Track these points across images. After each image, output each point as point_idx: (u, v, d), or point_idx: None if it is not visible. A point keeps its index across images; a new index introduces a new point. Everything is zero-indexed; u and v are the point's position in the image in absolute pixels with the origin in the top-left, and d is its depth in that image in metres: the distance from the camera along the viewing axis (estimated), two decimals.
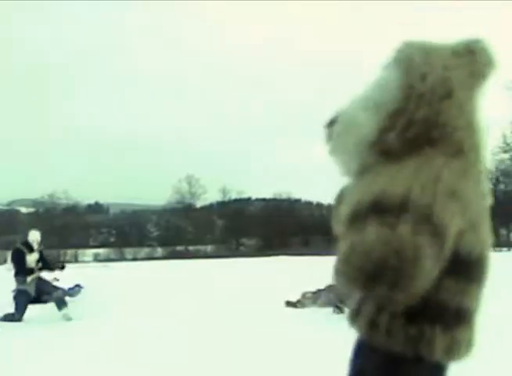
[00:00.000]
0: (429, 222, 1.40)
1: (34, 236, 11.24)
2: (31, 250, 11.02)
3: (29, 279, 10.73)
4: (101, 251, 78.94)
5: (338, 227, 1.72)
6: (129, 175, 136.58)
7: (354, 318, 1.71)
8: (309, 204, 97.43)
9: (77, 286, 15.44)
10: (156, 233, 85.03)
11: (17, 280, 10.88)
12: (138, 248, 78.15)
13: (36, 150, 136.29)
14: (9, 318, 10.52)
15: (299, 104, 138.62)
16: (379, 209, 1.43)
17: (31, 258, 10.91)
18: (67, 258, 71.71)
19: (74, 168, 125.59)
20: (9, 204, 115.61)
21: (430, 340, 1.54)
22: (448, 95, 1.59)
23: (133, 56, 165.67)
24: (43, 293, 10.81)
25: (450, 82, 1.60)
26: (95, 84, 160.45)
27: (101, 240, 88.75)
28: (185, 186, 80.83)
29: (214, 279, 22.45)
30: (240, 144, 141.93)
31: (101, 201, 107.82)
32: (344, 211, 1.60)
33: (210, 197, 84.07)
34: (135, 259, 66.68)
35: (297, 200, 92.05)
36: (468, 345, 1.63)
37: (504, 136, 47.00)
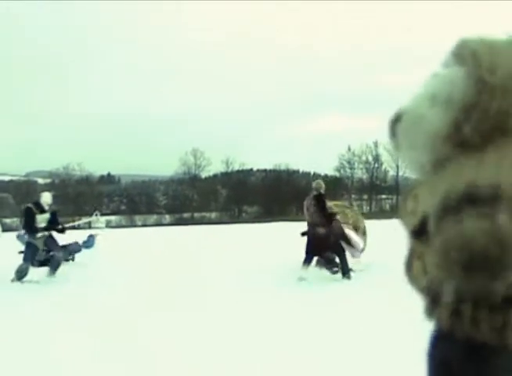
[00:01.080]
0: None
1: (45, 198, 11.34)
2: (42, 210, 11.10)
3: (38, 235, 10.86)
4: (113, 218, 79.05)
5: (407, 221, 1.69)
6: (139, 149, 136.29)
7: (432, 308, 1.62)
8: (307, 174, 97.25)
9: (91, 236, 15.59)
10: (164, 202, 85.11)
11: (28, 235, 11.13)
12: (147, 215, 78.53)
13: (52, 124, 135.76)
14: (20, 273, 10.63)
15: (298, 79, 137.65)
16: (472, 200, 1.38)
17: (41, 218, 10.98)
18: (82, 224, 72.04)
19: (88, 142, 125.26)
20: (27, 175, 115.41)
21: None
22: None
23: (146, 41, 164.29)
24: (50, 251, 11.03)
25: None
26: (111, 63, 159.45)
27: (113, 208, 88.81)
28: (191, 159, 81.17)
29: (219, 242, 22.54)
30: (242, 119, 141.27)
31: (113, 173, 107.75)
32: (426, 204, 1.55)
33: (214, 168, 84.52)
34: (144, 225, 66.88)
35: (296, 171, 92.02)
36: None
37: None
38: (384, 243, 12.05)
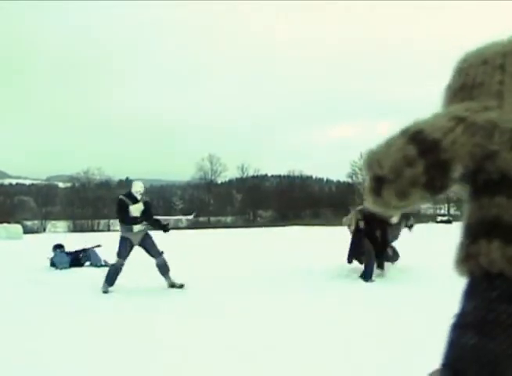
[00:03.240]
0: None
1: (137, 187, 10.33)
2: (135, 201, 10.10)
3: (135, 228, 9.91)
4: None
5: None
6: (157, 154, 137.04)
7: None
8: (320, 180, 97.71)
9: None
10: (181, 206, 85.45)
11: (122, 228, 10.07)
12: (165, 218, 79.05)
13: (73, 130, 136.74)
14: (110, 275, 9.72)
15: (311, 90, 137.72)
16: None
17: (134, 208, 10.02)
18: (101, 227, 72.49)
19: (108, 147, 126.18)
20: (48, 179, 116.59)
21: None
22: (484, 62, 1.70)
23: (164, 50, 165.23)
24: (146, 251, 10.04)
25: (485, 55, 1.72)
26: (131, 71, 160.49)
27: None
28: (207, 164, 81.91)
29: (235, 245, 22.58)
30: (258, 126, 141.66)
31: (131, 177, 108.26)
32: None
33: (230, 173, 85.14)
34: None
35: (309, 177, 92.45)
36: None
37: None
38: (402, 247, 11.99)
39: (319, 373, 4.62)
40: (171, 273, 9.85)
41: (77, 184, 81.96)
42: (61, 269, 13.82)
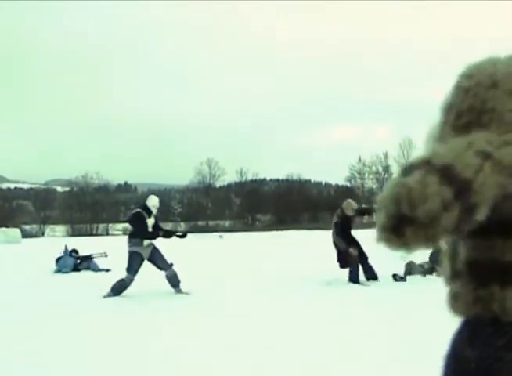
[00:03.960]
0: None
1: (153, 202, 10.28)
2: (150, 214, 10.04)
3: (145, 243, 9.75)
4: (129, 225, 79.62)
5: None
6: (155, 158, 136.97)
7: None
8: (318, 184, 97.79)
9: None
10: (179, 210, 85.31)
11: (132, 243, 9.75)
12: (163, 223, 78.47)
13: (71, 134, 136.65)
14: (117, 287, 9.43)
15: (311, 91, 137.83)
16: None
17: (150, 222, 9.97)
18: (99, 231, 72.45)
19: (106, 151, 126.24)
20: (46, 183, 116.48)
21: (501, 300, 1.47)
22: (494, 85, 1.58)
23: (165, 51, 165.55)
24: (155, 265, 9.83)
25: (495, 75, 1.60)
26: (130, 75, 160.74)
27: (129, 215, 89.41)
28: (205, 168, 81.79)
29: (234, 249, 22.59)
30: (256, 130, 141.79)
31: (130, 181, 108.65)
32: None
33: (228, 177, 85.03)
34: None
35: (307, 181, 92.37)
36: None
37: None
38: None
39: (318, 373, 4.63)
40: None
41: (75, 188, 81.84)
42: (63, 272, 13.87)
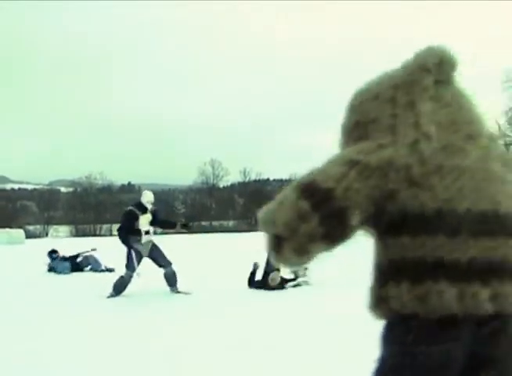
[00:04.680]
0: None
1: (148, 197, 10.03)
2: (145, 211, 9.84)
3: (143, 239, 9.63)
4: None
5: None
6: (159, 159, 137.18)
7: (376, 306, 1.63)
8: None
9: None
10: (183, 210, 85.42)
11: (130, 240, 9.63)
12: None
13: (74, 134, 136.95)
14: (118, 285, 9.40)
15: (313, 91, 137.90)
16: None
17: (144, 220, 9.78)
18: (103, 232, 72.55)
19: (109, 152, 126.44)
20: (50, 184, 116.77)
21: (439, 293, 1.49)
22: (376, 97, 1.69)
23: (165, 51, 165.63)
24: (155, 262, 9.77)
25: (378, 89, 1.72)
26: (132, 75, 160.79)
27: None
28: (209, 169, 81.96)
29: (238, 249, 22.59)
30: (259, 130, 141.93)
31: (133, 182, 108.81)
32: None
33: (231, 178, 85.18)
34: (163, 233, 67.14)
35: None
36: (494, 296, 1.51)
37: (499, 125, 46.56)
38: None
39: (319, 373, 4.63)
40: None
41: (79, 189, 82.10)
42: (64, 274, 13.82)
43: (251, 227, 70.38)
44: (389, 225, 1.55)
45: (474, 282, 1.48)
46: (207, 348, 5.49)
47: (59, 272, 13.92)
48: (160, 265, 9.70)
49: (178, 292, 9.58)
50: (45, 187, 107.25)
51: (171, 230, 10.31)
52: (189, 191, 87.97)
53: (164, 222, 10.85)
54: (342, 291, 9.25)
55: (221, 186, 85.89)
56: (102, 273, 13.62)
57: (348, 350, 5.26)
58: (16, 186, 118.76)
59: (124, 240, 9.70)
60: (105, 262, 14.54)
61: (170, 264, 9.70)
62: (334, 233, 1.51)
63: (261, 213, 1.61)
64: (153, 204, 10.18)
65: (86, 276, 13.18)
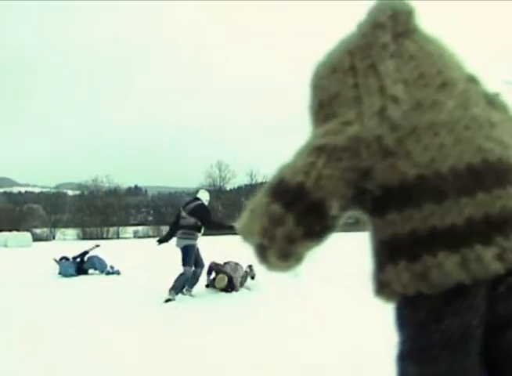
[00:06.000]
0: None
1: (207, 196, 10.15)
2: None
3: (199, 235, 9.67)
4: (140, 228, 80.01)
5: None
6: (166, 162, 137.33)
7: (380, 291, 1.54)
8: None
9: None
10: None
11: (189, 236, 9.60)
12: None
13: (81, 137, 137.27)
14: (180, 284, 9.21)
15: None
16: None
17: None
18: (110, 235, 72.68)
19: (116, 155, 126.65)
20: (57, 187, 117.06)
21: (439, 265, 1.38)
22: (334, 70, 1.56)
23: (171, 54, 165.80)
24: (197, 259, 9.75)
25: (332, 62, 1.59)
26: (139, 79, 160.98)
27: (140, 218, 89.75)
28: (216, 171, 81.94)
29: (243, 249, 22.61)
30: (265, 133, 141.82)
31: (140, 185, 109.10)
32: None
33: (238, 180, 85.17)
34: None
35: None
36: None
37: None
38: None
39: (318, 373, 4.68)
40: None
41: (85, 192, 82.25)
42: (67, 276, 13.80)
43: None
44: (374, 204, 1.47)
45: (475, 244, 1.36)
46: (215, 349, 5.53)
47: (65, 276, 13.93)
48: (196, 265, 9.71)
49: (192, 295, 9.55)
50: (52, 190, 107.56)
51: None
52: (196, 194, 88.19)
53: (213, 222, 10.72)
54: (344, 292, 9.29)
55: (228, 188, 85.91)
56: (109, 276, 13.64)
57: (348, 350, 5.30)
58: (22, 189, 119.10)
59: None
60: (110, 262, 14.60)
61: (202, 267, 9.84)
62: (314, 229, 1.43)
63: (238, 224, 1.53)
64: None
65: (93, 279, 13.14)
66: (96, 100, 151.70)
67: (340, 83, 1.52)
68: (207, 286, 10.43)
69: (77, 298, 9.77)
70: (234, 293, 9.81)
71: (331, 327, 6.47)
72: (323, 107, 1.56)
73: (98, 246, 15.41)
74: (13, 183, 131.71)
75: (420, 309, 1.43)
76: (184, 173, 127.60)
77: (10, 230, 45.51)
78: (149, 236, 62.37)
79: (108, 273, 14.15)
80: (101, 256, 14.92)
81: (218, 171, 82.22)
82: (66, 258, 14.94)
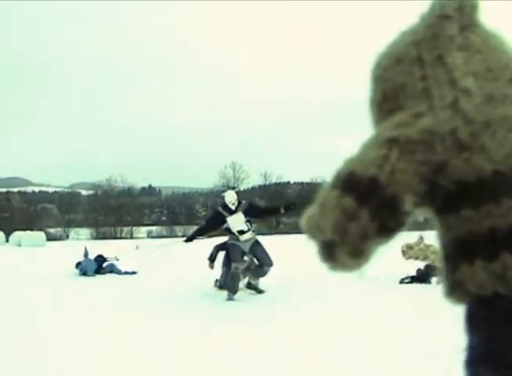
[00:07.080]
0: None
1: (230, 197, 10.13)
2: (231, 212, 9.90)
3: (242, 238, 9.71)
4: (154, 228, 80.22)
5: None
6: (180, 162, 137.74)
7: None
8: None
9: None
10: (203, 213, 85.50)
11: (229, 237, 10.01)
12: (187, 226, 79.03)
13: (96, 137, 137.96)
14: (230, 280, 9.39)
15: (335, 94, 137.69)
16: None
17: (232, 220, 9.84)
18: (123, 234, 72.89)
19: (130, 155, 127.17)
20: (71, 186, 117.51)
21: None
22: (398, 61, 1.53)
23: (186, 53, 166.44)
24: (256, 259, 9.86)
25: (396, 53, 1.55)
26: (153, 78, 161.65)
27: (154, 218, 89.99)
28: (229, 172, 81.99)
29: None
30: (280, 133, 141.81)
31: (154, 185, 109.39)
32: None
33: (252, 180, 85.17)
34: (184, 236, 67.27)
35: None
36: None
37: None
38: None
39: (318, 373, 4.67)
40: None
41: (99, 191, 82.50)
42: (88, 275, 13.98)
43: (271, 230, 70.51)
44: (446, 200, 1.42)
45: None
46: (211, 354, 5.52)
47: (88, 274, 14.06)
48: (260, 263, 9.78)
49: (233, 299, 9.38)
50: (66, 190, 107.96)
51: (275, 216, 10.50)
52: (210, 194, 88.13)
53: (264, 211, 11.11)
54: (345, 293, 9.25)
55: (241, 188, 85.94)
56: (125, 276, 13.76)
57: (348, 350, 5.29)
58: (36, 189, 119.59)
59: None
60: (123, 266, 14.78)
61: (270, 264, 9.80)
62: (388, 225, 1.37)
63: (304, 220, 1.42)
64: (240, 202, 10.23)
65: (109, 279, 13.27)
66: (111, 100, 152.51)
67: (407, 74, 1.49)
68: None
69: (95, 297, 9.83)
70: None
71: (357, 328, 6.47)
72: (388, 100, 1.52)
73: (117, 259, 15.49)
74: (28, 183, 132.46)
75: (496, 311, 1.36)
76: (198, 173, 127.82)
77: (24, 230, 45.81)
78: (163, 237, 62.52)
79: (121, 273, 14.33)
80: (119, 267, 14.99)
81: (231, 172, 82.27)
82: (99, 257, 15.14)
